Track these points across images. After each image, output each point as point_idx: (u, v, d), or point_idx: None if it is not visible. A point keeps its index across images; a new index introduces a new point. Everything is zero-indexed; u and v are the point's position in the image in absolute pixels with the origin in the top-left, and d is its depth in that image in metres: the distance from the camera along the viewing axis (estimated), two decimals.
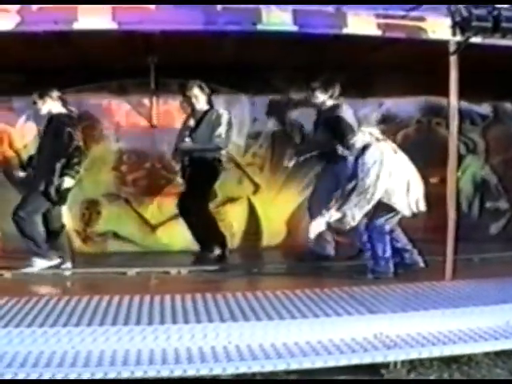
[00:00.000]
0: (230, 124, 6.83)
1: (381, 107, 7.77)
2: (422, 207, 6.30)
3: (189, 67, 7.06)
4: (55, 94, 6.49)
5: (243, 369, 4.32)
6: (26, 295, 5.37)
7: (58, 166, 6.30)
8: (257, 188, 7.48)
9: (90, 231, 7.84)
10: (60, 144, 6.29)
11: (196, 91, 6.83)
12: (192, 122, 6.89)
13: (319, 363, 4.41)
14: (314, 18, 5.66)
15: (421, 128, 8.36)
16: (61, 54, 6.75)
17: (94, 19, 5.46)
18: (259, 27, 5.57)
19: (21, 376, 4.00)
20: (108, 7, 5.51)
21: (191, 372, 4.23)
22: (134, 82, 6.91)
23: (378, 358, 4.54)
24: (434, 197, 7.87)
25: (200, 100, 6.84)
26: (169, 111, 7.81)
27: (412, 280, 5.94)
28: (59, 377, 4.05)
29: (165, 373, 4.17)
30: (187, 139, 6.77)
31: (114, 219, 7.38)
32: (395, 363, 4.64)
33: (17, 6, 5.48)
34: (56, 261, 6.48)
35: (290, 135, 6.94)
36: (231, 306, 5.13)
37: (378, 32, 5.78)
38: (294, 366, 4.38)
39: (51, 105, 6.48)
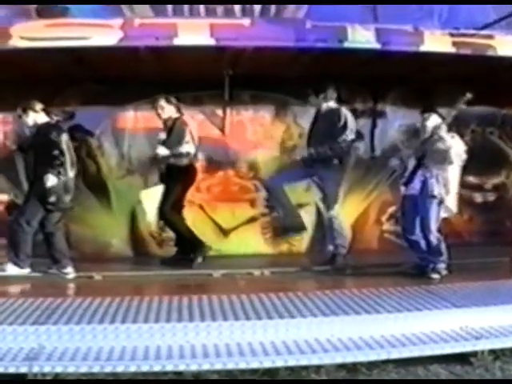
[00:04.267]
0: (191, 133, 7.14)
1: None
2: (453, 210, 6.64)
3: (261, 79, 7.43)
4: (38, 106, 6.55)
5: (339, 359, 4.64)
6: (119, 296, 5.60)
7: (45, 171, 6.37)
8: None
9: (165, 235, 8.06)
10: (45, 151, 6.39)
11: (162, 103, 7.12)
12: (163, 132, 7.18)
13: (416, 352, 4.76)
14: (395, 36, 6.00)
15: (475, 137, 8.64)
16: (141, 66, 6.93)
17: (193, 36, 5.74)
18: (346, 44, 5.90)
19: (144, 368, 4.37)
20: (205, 23, 5.83)
21: (292, 362, 4.55)
22: (208, 93, 7.16)
23: (468, 348, 4.89)
24: (491, 203, 8.37)
25: (166, 111, 7.13)
26: (241, 121, 8.10)
27: (483, 279, 6.26)
28: (169, 368, 4.41)
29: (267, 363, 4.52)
30: (159, 147, 7.07)
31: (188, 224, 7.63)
32: (482, 352, 4.96)
33: (119, 21, 5.75)
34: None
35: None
36: (320, 303, 5.45)
37: (452, 49, 6.13)
38: (395, 356, 4.70)
39: (35, 116, 6.54)
